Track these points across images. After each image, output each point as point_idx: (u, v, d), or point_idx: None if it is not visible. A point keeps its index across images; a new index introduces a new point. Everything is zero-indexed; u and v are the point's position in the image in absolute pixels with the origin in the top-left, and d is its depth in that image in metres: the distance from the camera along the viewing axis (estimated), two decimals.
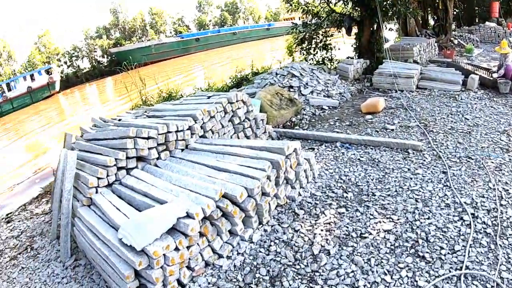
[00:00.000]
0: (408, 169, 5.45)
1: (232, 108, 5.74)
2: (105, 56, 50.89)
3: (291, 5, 13.56)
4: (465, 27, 20.45)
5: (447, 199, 4.65)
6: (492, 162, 5.43)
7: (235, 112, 5.81)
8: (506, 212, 4.36)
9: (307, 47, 13.77)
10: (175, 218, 3.36)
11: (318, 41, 13.61)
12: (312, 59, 13.88)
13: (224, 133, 5.69)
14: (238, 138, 5.87)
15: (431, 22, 20.76)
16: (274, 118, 7.35)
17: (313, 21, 13.55)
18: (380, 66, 10.56)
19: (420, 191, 4.88)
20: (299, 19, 14.04)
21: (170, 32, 60.46)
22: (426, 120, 7.26)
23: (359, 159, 5.98)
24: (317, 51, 13.80)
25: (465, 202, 4.53)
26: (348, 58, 13.16)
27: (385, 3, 10.86)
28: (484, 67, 10.42)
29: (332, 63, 13.58)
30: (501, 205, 4.49)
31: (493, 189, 4.78)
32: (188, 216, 3.44)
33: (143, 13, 58.34)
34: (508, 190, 4.77)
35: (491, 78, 9.16)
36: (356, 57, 12.74)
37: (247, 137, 6.01)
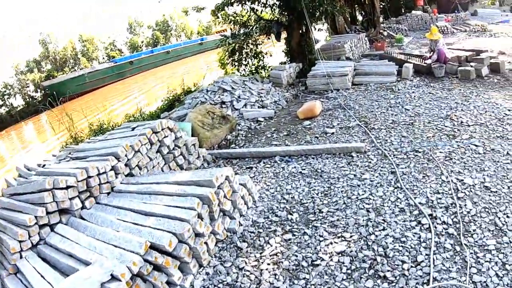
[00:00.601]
0: (354, 175, 5.24)
1: (158, 137, 5.64)
2: (38, 90, 48.95)
3: (218, 17, 13.64)
4: (392, 18, 21.94)
5: (400, 203, 4.43)
6: (441, 152, 5.40)
7: (162, 141, 5.70)
8: (465, 205, 4.25)
9: (239, 58, 13.82)
10: (99, 284, 3.11)
11: (249, 50, 13.71)
12: (244, 69, 13.95)
13: (154, 166, 5.56)
14: (170, 168, 5.81)
15: (360, 17, 21.99)
16: (208, 140, 7.29)
17: (242, 31, 13.66)
18: (313, 68, 10.66)
19: (370, 198, 4.63)
20: (231, 30, 14.10)
21: (103, 58, 60.34)
22: (366, 117, 7.23)
23: (301, 172, 5.70)
24: (248, 61, 13.86)
25: (420, 203, 4.35)
26: (280, 63, 13.25)
27: (311, 4, 11.16)
28: (417, 54, 10.94)
29: (265, 71, 13.66)
30: (458, 198, 4.38)
31: (447, 182, 4.69)
32: (114, 278, 3.21)
33: (73, 41, 58.18)
34: (462, 180, 4.70)
35: (425, 65, 9.56)
36: (288, 62, 12.88)
37: (180, 166, 5.96)
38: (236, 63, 13.93)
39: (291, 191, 5.21)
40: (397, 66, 9.88)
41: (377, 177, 5.12)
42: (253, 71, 13.86)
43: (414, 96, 7.85)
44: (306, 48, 12.27)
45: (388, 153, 5.64)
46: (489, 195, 4.44)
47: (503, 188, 4.56)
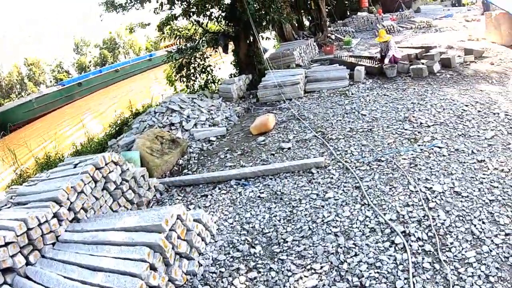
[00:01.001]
0: (317, 195, 4.99)
1: (103, 174, 5.38)
2: None
3: (163, 32, 13.30)
4: (339, 21, 22.60)
5: (369, 222, 4.22)
6: (405, 159, 5.29)
7: (107, 177, 5.44)
8: (438, 216, 4.12)
9: (187, 74, 13.47)
10: None
11: (196, 65, 13.44)
12: (193, 85, 13.64)
13: (101, 206, 5.28)
14: (119, 205, 5.60)
15: (307, 23, 22.43)
16: (158, 167, 7.05)
17: (188, 45, 13.38)
18: (263, 78, 10.51)
19: (337, 220, 4.38)
20: (177, 45, 13.80)
21: (51, 81, 58.20)
22: (322, 127, 7.08)
23: (259, 196, 5.41)
24: (196, 76, 13.57)
25: (390, 219, 4.15)
26: (230, 76, 13.06)
27: (257, 13, 11.11)
28: (367, 56, 11.11)
29: (216, 85, 13.43)
30: (430, 209, 4.25)
31: (416, 191, 4.55)
32: None
33: (18, 66, 55.54)
34: (431, 187, 4.59)
35: (376, 66, 9.67)
36: (238, 74, 12.71)
37: (130, 201, 5.75)
38: (185, 79, 13.60)
39: (251, 220, 4.89)
40: (349, 70, 9.95)
41: (341, 194, 4.91)
42: (203, 86, 13.60)
43: (369, 100, 7.84)
44: (254, 58, 12.17)
45: (350, 166, 5.46)
46: (461, 201, 4.35)
47: (474, 191, 4.49)
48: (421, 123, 6.27)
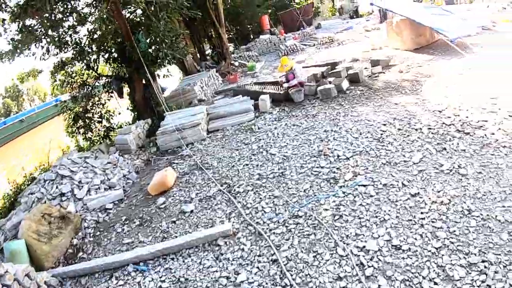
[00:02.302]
0: (227, 278, 3.96)
1: None
2: None
3: (55, 80, 11.49)
4: (242, 47, 22.21)
5: None
6: (327, 209, 4.33)
7: None
8: (379, 286, 3.12)
9: (85, 124, 11.73)
10: None
11: (91, 114, 11.80)
12: (91, 137, 11.98)
13: None
14: None
15: (210, 51, 21.78)
16: (49, 255, 6.04)
17: (82, 92, 11.74)
18: (162, 122, 9.31)
19: None
20: (70, 93, 12.08)
21: None
22: (228, 177, 5.98)
23: (160, 287, 4.23)
24: (94, 126, 11.93)
25: None
26: (125, 124, 11.65)
27: (149, 51, 9.91)
28: (271, 81, 10.39)
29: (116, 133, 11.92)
30: (367, 278, 3.28)
31: (346, 256, 3.53)
32: None
33: None
34: (364, 246, 3.63)
35: (281, 92, 8.91)
36: (136, 120, 11.34)
37: None
38: (83, 130, 11.87)
39: None
40: (253, 101, 9.10)
41: (256, 274, 3.84)
42: (104, 137, 12.01)
43: (278, 134, 6.93)
44: (152, 100, 10.88)
45: (263, 228, 4.37)
46: (403, 258, 3.50)
47: (415, 240, 3.67)
48: (338, 156, 5.42)
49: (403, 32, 11.52)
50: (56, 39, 9.71)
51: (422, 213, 4.01)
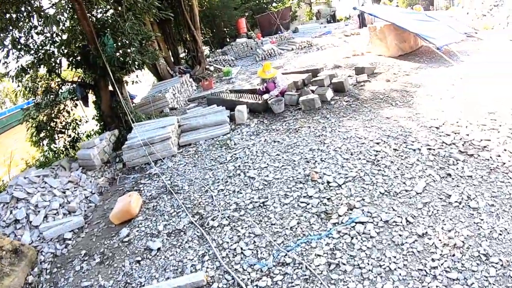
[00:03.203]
0: None
1: None
2: None
3: (19, 84, 10.24)
4: (218, 50, 21.33)
5: None
6: (319, 255, 3.55)
7: None
8: None
9: (49, 134, 10.56)
10: None
11: (56, 122, 10.65)
12: (55, 148, 10.84)
13: None
14: None
15: (184, 55, 20.79)
16: None
17: (45, 99, 10.54)
18: (129, 135, 8.36)
19: None
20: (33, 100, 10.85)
21: None
22: (201, 205, 5.15)
23: None
24: (57, 136, 10.80)
25: None
26: (87, 137, 10.60)
27: (115, 57, 8.87)
28: (248, 89, 9.59)
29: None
30: None
31: None
32: None
33: None
34: None
35: (260, 102, 8.12)
36: (103, 131, 10.27)
37: None
38: (46, 141, 10.70)
39: None
40: (229, 111, 8.27)
41: None
42: (69, 147, 10.89)
43: (257, 152, 6.12)
44: (119, 109, 9.84)
45: (243, 279, 3.55)
46: None
47: None
48: (328, 183, 4.65)
49: (387, 38, 10.96)
50: (16, 41, 8.65)
51: (433, 259, 3.29)
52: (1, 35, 8.26)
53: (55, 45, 9.12)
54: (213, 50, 22.47)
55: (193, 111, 9.51)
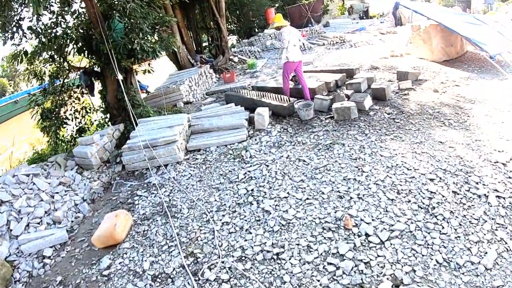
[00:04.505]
0: None
1: None
2: None
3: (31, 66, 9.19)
4: (244, 41, 20.00)
5: None
6: None
7: None
8: None
9: (58, 122, 9.43)
10: None
11: (65, 110, 9.55)
12: (62, 138, 9.73)
13: None
14: None
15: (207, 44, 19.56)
16: None
17: (53, 84, 9.47)
18: (132, 134, 7.23)
19: None
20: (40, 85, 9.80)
21: None
22: (198, 243, 3.97)
23: None
24: (65, 126, 9.69)
25: None
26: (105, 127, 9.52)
27: (122, 42, 7.63)
28: (273, 87, 8.32)
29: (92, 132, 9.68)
30: None
31: None
32: None
33: None
34: None
35: (285, 105, 6.84)
36: (111, 123, 9.13)
37: None
38: (53, 129, 9.58)
39: None
40: (248, 112, 7.06)
41: None
42: (76, 136, 9.77)
43: (276, 173, 4.87)
44: (128, 101, 8.62)
45: None
46: None
47: None
48: (367, 235, 3.38)
49: (432, 40, 9.45)
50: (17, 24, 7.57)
51: None
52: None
53: (58, 28, 7.98)
54: (239, 40, 21.13)
55: (207, 109, 8.31)
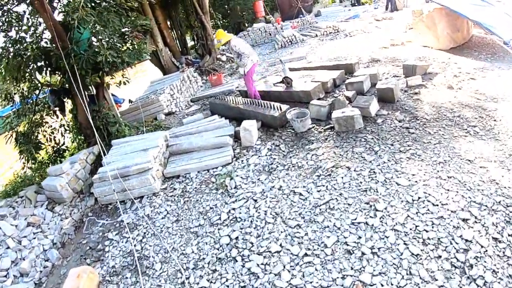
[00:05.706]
0: None
1: None
2: None
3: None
4: None
5: None
6: None
7: None
8: None
9: (33, 146, 8.41)
10: None
11: (42, 130, 8.55)
12: (41, 161, 8.70)
13: None
14: None
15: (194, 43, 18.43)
16: None
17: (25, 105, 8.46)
18: (104, 160, 6.19)
19: None
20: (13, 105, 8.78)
21: None
22: None
23: None
24: (42, 149, 8.67)
25: None
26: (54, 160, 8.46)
27: (83, 55, 6.59)
28: (262, 90, 7.33)
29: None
30: None
31: None
32: None
33: None
34: None
35: (277, 115, 5.84)
36: (85, 146, 8.11)
37: None
38: (29, 153, 8.56)
39: None
40: (233, 127, 6.08)
41: None
42: (54, 159, 8.74)
43: (266, 213, 3.89)
44: (99, 120, 7.59)
45: None
46: None
47: None
48: None
49: (437, 26, 8.42)
50: None
51: None
52: None
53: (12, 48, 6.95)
54: None
55: (189, 122, 7.33)
